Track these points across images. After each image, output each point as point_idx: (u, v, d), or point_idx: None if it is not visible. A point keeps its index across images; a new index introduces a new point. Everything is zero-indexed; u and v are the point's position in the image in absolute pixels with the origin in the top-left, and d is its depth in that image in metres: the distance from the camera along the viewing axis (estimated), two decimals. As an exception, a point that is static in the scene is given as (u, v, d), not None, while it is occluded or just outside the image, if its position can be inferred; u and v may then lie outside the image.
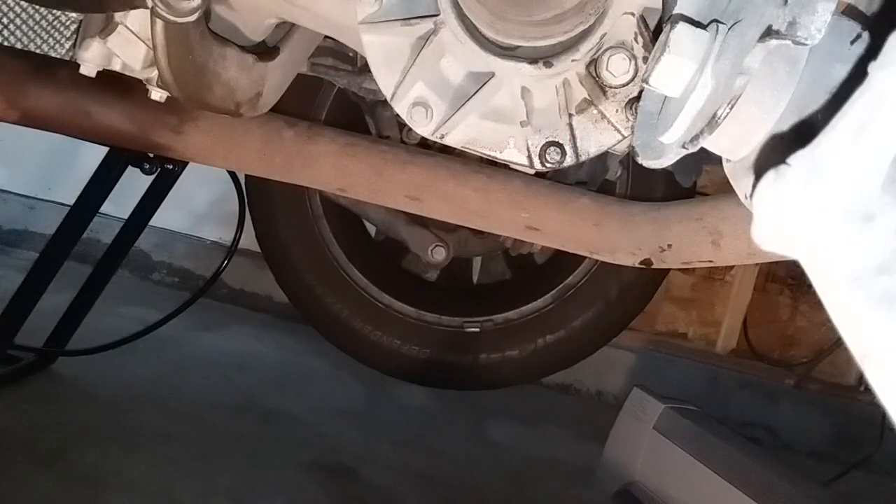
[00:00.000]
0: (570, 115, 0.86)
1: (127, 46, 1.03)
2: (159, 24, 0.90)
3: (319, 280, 2.32)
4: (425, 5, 0.85)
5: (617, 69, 0.82)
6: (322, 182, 1.47)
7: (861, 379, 2.92)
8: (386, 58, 0.88)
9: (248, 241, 2.34)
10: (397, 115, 0.89)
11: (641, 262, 1.40)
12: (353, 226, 2.47)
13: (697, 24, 0.60)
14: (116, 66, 1.08)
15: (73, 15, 1.05)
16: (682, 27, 0.60)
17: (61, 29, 1.06)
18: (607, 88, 0.83)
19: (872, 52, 0.49)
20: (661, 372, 2.97)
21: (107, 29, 1.03)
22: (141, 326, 2.24)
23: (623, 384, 2.91)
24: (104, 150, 1.96)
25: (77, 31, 1.06)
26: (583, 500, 2.16)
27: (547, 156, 0.88)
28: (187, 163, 1.92)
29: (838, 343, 0.52)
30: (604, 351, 2.44)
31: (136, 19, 1.01)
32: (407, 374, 2.41)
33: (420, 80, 0.87)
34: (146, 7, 0.86)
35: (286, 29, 1.16)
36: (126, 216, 2.22)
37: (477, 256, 2.59)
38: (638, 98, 0.81)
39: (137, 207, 2.19)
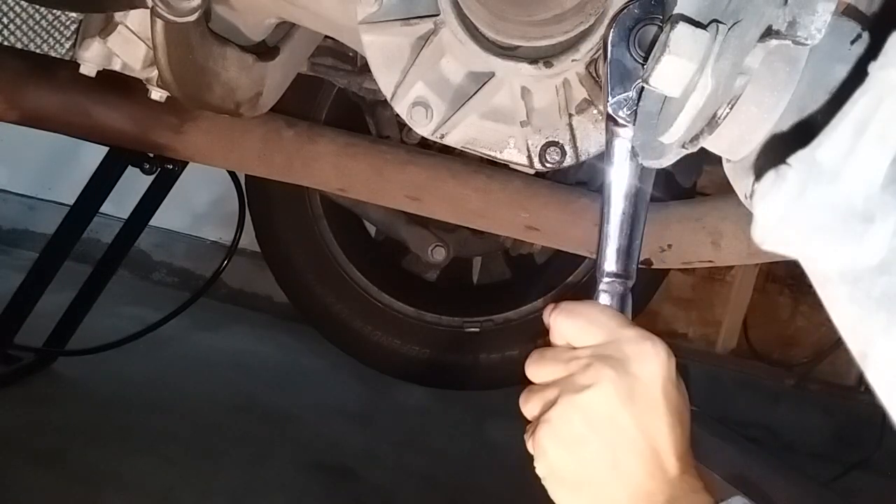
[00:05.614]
0: (570, 115, 0.86)
1: (127, 46, 1.03)
2: (159, 23, 0.90)
3: (319, 280, 2.32)
4: (425, 5, 0.85)
5: (617, 69, 0.81)
6: (322, 182, 1.47)
7: (861, 379, 2.91)
8: (386, 58, 0.88)
9: (248, 241, 2.34)
10: (397, 115, 0.89)
11: (641, 263, 1.40)
12: (353, 226, 2.46)
13: (697, 24, 0.60)
14: (116, 66, 1.08)
15: (73, 15, 1.05)
16: (682, 27, 0.59)
17: (61, 29, 1.06)
18: (607, 88, 0.83)
19: (872, 52, 0.49)
20: (661, 372, 2.96)
21: (107, 29, 1.03)
22: (141, 326, 2.24)
23: (623, 384, 2.90)
24: (104, 150, 1.96)
25: (77, 31, 1.06)
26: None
27: (547, 156, 0.88)
28: (187, 163, 1.92)
29: (838, 343, 0.51)
30: (604, 351, 2.43)
31: (136, 19, 1.02)
32: (407, 373, 2.41)
33: (420, 80, 0.87)
34: (146, 7, 0.86)
35: (286, 29, 1.16)
36: (126, 216, 2.21)
37: (477, 256, 2.59)
38: (638, 98, 0.80)
39: (137, 207, 2.19)
